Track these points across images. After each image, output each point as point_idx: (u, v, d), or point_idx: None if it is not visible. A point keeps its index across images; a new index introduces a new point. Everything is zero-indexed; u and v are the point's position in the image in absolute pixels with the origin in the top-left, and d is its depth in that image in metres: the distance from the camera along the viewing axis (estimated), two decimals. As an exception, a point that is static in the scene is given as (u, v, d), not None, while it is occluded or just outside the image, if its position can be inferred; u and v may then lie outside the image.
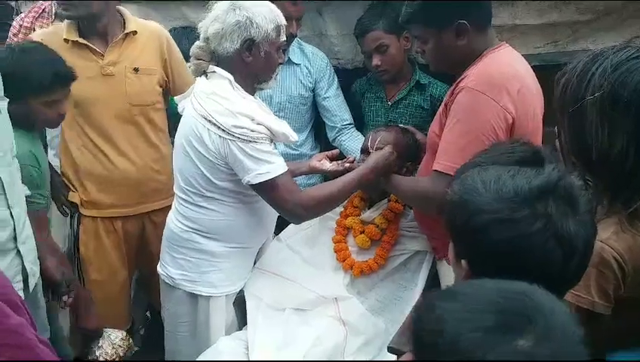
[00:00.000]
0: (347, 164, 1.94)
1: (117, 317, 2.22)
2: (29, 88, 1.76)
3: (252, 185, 1.65)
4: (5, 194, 1.51)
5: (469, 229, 0.86)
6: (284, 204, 1.69)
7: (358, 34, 2.23)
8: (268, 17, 1.68)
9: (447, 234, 0.95)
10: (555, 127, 1.10)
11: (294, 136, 1.71)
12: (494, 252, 0.83)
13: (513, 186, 0.84)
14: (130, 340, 2.07)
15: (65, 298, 1.83)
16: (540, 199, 0.83)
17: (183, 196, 1.79)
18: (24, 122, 1.82)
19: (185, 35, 2.38)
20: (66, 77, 1.84)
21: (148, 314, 2.58)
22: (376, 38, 2.16)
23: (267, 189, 1.66)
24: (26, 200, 1.76)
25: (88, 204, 2.13)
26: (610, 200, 1.07)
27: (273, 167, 1.64)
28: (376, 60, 2.18)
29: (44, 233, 1.88)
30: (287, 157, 2.31)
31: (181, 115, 1.81)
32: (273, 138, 1.68)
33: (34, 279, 1.65)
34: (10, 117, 1.72)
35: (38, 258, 1.70)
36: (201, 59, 1.71)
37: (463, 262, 0.88)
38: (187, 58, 1.83)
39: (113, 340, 2.00)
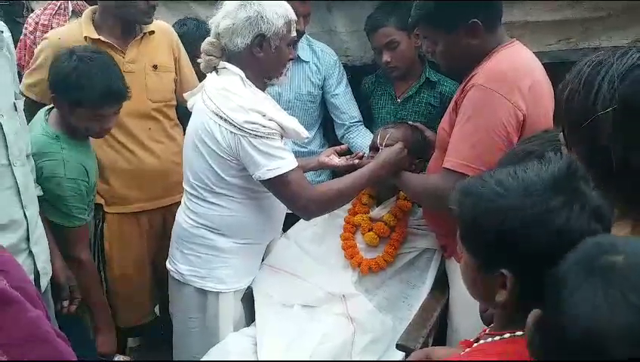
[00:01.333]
0: (356, 160, 1.93)
1: (140, 312, 2.29)
2: (80, 99, 1.72)
3: (263, 180, 1.65)
4: (20, 195, 1.51)
5: (504, 235, 0.83)
6: (295, 199, 1.69)
7: (368, 30, 2.22)
8: (278, 13, 1.69)
9: (469, 249, 0.92)
10: (561, 136, 1.09)
11: (305, 133, 1.71)
12: (541, 247, 0.79)
13: (534, 178, 0.83)
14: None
15: (65, 303, 1.81)
16: (565, 183, 0.82)
17: (193, 192, 1.79)
18: (74, 131, 1.81)
19: (197, 28, 2.40)
20: (119, 96, 1.79)
21: (156, 310, 2.59)
22: (387, 35, 2.15)
23: (278, 185, 1.66)
24: (68, 215, 1.78)
25: (113, 200, 2.15)
26: (622, 209, 1.06)
27: (284, 162, 1.64)
28: (386, 57, 2.17)
29: (83, 244, 1.88)
30: (296, 155, 2.29)
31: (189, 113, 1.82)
32: (284, 134, 1.68)
33: (46, 278, 1.66)
34: (60, 124, 1.75)
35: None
36: (212, 55, 1.72)
37: (504, 271, 0.84)
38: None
39: None
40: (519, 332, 0.86)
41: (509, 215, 0.82)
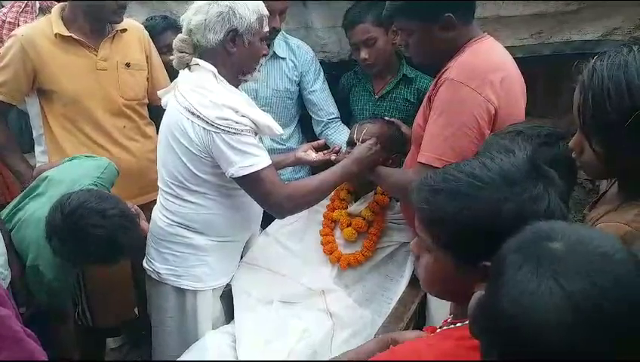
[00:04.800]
0: (333, 155, 1.94)
1: (119, 312, 2.28)
2: (76, 257, 1.60)
3: (236, 178, 1.64)
4: None
5: (493, 227, 0.82)
6: (268, 197, 1.68)
7: (346, 26, 2.22)
8: (250, 8, 1.68)
9: (446, 246, 0.91)
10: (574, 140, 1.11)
11: (279, 130, 1.70)
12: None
13: (510, 168, 0.85)
14: None
15: (22, 309, 1.74)
16: (539, 170, 0.85)
17: (168, 190, 1.78)
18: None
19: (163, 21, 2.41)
20: (115, 258, 1.63)
21: (136, 310, 2.58)
22: (365, 31, 2.14)
23: (251, 183, 1.65)
24: None
25: None
26: (627, 196, 1.10)
27: (257, 160, 1.63)
28: (363, 53, 2.18)
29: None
30: (274, 152, 2.31)
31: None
32: (258, 131, 1.67)
33: (4, 283, 1.61)
34: None
35: None
36: (184, 52, 1.70)
37: (487, 263, 0.81)
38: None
39: None
40: None
41: (499, 205, 0.83)
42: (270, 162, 1.68)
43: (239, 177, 1.64)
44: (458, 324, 0.92)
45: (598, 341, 0.58)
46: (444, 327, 0.95)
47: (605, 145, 1.03)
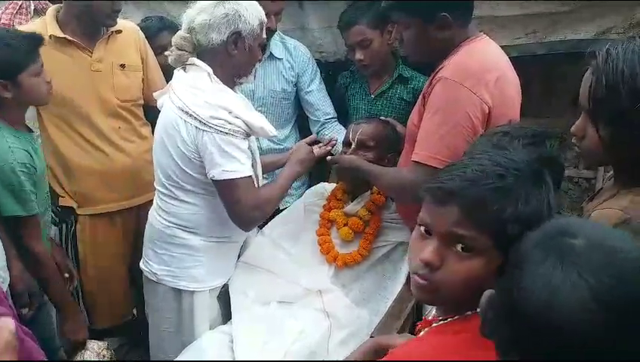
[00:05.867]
0: (329, 148, 1.95)
1: (117, 313, 2.29)
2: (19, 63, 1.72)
3: (215, 180, 1.65)
4: None
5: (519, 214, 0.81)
6: (238, 205, 1.68)
7: (341, 27, 2.22)
8: (253, 13, 1.70)
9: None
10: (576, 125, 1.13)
11: (273, 131, 1.71)
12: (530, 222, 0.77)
13: (519, 162, 0.86)
14: (112, 350, 2.07)
15: (25, 310, 1.79)
16: (539, 164, 0.87)
17: (164, 191, 1.78)
18: (15, 122, 1.79)
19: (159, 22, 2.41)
20: (40, 38, 1.79)
21: (134, 311, 2.58)
22: (360, 33, 2.15)
23: (228, 188, 1.66)
24: (26, 201, 1.74)
25: (86, 201, 2.13)
26: (624, 184, 1.12)
27: (242, 167, 1.64)
28: (359, 55, 2.18)
29: (38, 236, 1.85)
30: (271, 152, 2.33)
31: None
32: (250, 132, 1.67)
33: (4, 286, 1.63)
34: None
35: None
36: (183, 50, 1.70)
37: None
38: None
39: (97, 350, 1.99)
40: (468, 312, 0.88)
41: (527, 196, 0.82)
42: (251, 173, 1.69)
43: (219, 180, 1.64)
44: (449, 319, 0.92)
45: (623, 336, 0.58)
46: (434, 324, 0.95)
47: (612, 129, 1.04)
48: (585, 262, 0.61)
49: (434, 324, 0.94)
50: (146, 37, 2.25)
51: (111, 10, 2.01)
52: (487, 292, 0.71)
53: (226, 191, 1.67)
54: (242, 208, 1.69)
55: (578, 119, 1.15)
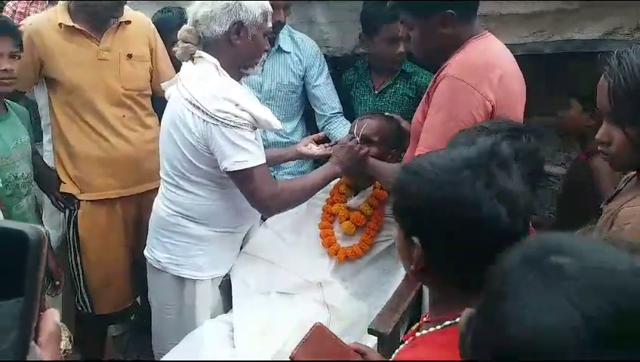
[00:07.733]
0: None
1: (119, 299, 2.30)
2: None
3: (228, 172, 1.67)
4: None
5: (418, 203, 0.89)
6: (256, 194, 1.71)
7: (381, 22, 2.15)
8: (256, 2, 1.71)
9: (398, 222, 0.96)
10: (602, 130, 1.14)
11: (278, 125, 1.72)
12: (443, 217, 0.85)
13: (450, 157, 0.89)
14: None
15: None
16: (476, 161, 0.87)
17: (170, 181, 1.81)
18: None
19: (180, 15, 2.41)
20: None
21: (138, 299, 2.61)
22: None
23: (242, 178, 1.68)
24: None
25: (87, 187, 2.16)
26: None
27: (252, 156, 1.66)
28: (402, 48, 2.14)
29: None
30: (278, 145, 2.35)
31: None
32: (257, 125, 1.69)
33: None
34: None
35: None
36: (189, 43, 1.72)
37: (414, 239, 0.89)
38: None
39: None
40: (458, 319, 0.88)
41: (425, 184, 0.88)
42: (264, 160, 1.71)
43: (232, 171, 1.67)
44: (438, 327, 0.92)
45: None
46: (418, 334, 0.95)
47: (639, 128, 1.05)
48: (574, 283, 0.55)
49: (417, 334, 0.95)
50: (166, 29, 2.26)
51: (115, 3, 2.03)
52: (467, 312, 0.66)
53: (241, 181, 1.70)
54: (260, 196, 1.71)
55: (600, 127, 1.15)
